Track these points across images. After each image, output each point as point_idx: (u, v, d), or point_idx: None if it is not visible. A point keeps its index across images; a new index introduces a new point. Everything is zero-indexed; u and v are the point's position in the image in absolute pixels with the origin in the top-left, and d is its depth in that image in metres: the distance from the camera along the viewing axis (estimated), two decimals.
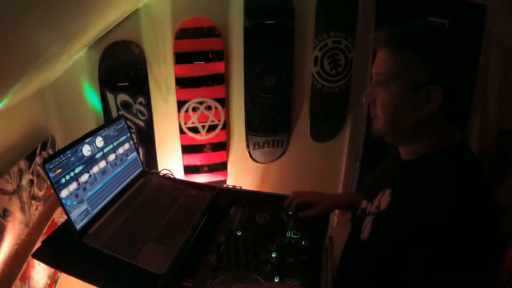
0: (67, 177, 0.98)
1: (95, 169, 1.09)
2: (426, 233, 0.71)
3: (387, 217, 0.82)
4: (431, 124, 0.78)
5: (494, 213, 0.73)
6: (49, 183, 0.94)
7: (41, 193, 1.22)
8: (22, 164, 1.11)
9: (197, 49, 1.62)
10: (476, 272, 0.69)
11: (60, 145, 1.40)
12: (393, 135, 0.83)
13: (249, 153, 1.88)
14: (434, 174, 0.77)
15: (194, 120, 1.74)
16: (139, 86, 1.62)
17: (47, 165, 0.93)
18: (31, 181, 1.16)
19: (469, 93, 1.74)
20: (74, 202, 0.99)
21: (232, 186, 1.33)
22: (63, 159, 0.98)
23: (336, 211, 2.02)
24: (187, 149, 1.79)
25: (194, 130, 1.76)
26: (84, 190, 1.03)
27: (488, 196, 0.74)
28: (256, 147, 1.87)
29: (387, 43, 0.78)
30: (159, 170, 1.62)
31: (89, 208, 1.04)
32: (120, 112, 1.61)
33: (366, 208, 0.94)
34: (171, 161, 1.81)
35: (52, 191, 0.95)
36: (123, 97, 1.60)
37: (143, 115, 1.67)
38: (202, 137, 1.78)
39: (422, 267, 0.71)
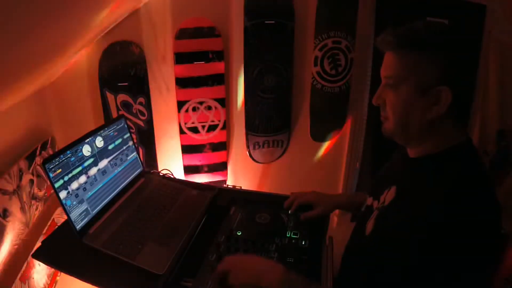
0: (67, 177, 0.98)
1: (95, 169, 1.09)
2: (426, 231, 0.71)
3: (390, 212, 0.83)
4: (439, 124, 0.78)
5: (495, 214, 0.73)
6: (49, 183, 0.94)
7: (41, 193, 1.21)
8: (22, 164, 1.11)
9: (197, 49, 1.62)
10: (476, 272, 0.70)
11: (60, 145, 1.40)
12: (403, 136, 0.84)
13: (249, 153, 1.88)
14: (438, 173, 0.78)
15: (194, 120, 1.74)
16: (139, 86, 1.62)
17: (47, 165, 0.93)
18: (31, 181, 1.15)
19: (472, 92, 1.74)
20: (74, 202, 0.99)
21: (232, 186, 1.33)
22: (63, 159, 0.98)
23: (336, 211, 2.01)
24: (187, 149, 1.79)
25: (194, 130, 1.76)
26: (84, 190, 1.04)
27: (490, 196, 0.75)
28: (256, 147, 1.87)
29: (393, 46, 0.78)
30: (159, 170, 1.62)
31: (89, 208, 1.04)
32: (120, 112, 1.61)
33: (371, 205, 0.94)
34: (171, 161, 1.81)
35: (52, 191, 0.95)
36: (123, 97, 1.60)
37: (143, 115, 1.67)
38: (202, 137, 1.78)
39: (421, 265, 0.71)
